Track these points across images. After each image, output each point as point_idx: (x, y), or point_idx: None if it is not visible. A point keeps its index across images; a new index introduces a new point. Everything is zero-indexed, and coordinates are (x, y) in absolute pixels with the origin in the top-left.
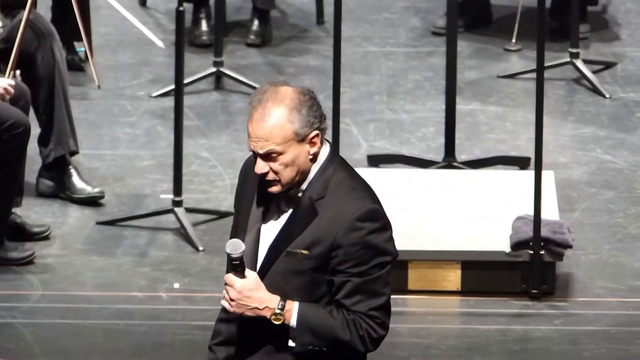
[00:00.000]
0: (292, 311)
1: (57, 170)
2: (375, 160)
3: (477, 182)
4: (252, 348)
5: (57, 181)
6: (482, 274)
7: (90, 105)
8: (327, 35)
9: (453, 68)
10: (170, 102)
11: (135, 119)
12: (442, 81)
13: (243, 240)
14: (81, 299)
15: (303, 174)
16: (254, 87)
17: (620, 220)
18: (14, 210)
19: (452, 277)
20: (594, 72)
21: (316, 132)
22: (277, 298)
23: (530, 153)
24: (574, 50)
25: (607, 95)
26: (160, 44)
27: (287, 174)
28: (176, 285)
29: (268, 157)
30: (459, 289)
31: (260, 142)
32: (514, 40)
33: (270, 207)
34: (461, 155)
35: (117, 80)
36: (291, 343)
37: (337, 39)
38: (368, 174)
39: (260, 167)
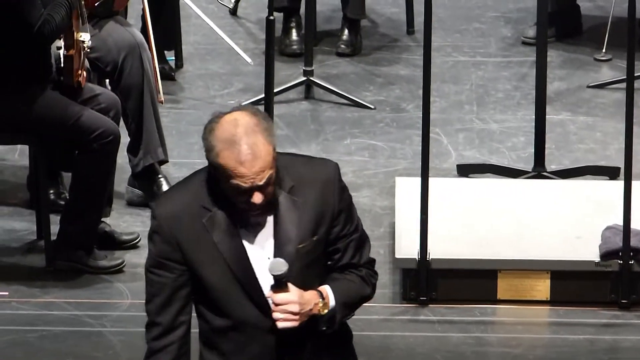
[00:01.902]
0: (329, 295)
1: (147, 180)
2: (465, 170)
3: (566, 192)
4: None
5: (147, 190)
6: (571, 284)
7: (180, 114)
8: (417, 45)
9: (543, 78)
10: None
11: None
12: (532, 91)
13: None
14: None
15: None
16: (344, 96)
17: None
18: (103, 219)
19: (542, 287)
20: None
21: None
22: (314, 292)
23: (620, 163)
24: None
25: None
26: (249, 60)
27: (274, 190)
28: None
29: (265, 186)
30: (548, 299)
31: (259, 175)
32: (604, 50)
33: (238, 226)
34: (551, 165)
35: (208, 89)
36: (324, 327)
37: (427, 48)
38: (458, 184)
39: (260, 197)
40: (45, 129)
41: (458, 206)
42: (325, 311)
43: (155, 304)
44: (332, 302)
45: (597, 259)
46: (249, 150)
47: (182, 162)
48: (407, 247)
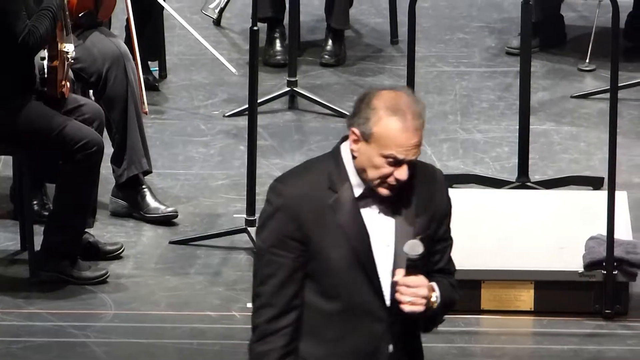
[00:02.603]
0: (437, 291)
1: (131, 190)
2: (449, 180)
3: (550, 202)
4: (394, 348)
5: (131, 201)
6: (555, 294)
7: (164, 124)
8: (401, 55)
9: (527, 88)
10: (244, 121)
11: (209, 138)
12: (516, 101)
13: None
14: (154, 319)
15: None
16: (327, 107)
17: None
18: (87, 230)
19: (525, 297)
20: None
21: None
22: (430, 283)
23: (604, 173)
24: None
25: None
26: (233, 70)
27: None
28: (249, 305)
29: (413, 164)
30: (532, 309)
31: (414, 148)
32: (587, 61)
33: (359, 210)
34: (535, 175)
35: (192, 100)
36: (424, 324)
37: (411, 58)
38: None
39: (406, 173)
40: (29, 140)
41: None
42: (436, 305)
43: (272, 285)
44: (438, 299)
45: (581, 269)
46: (413, 120)
47: (166, 172)
48: None
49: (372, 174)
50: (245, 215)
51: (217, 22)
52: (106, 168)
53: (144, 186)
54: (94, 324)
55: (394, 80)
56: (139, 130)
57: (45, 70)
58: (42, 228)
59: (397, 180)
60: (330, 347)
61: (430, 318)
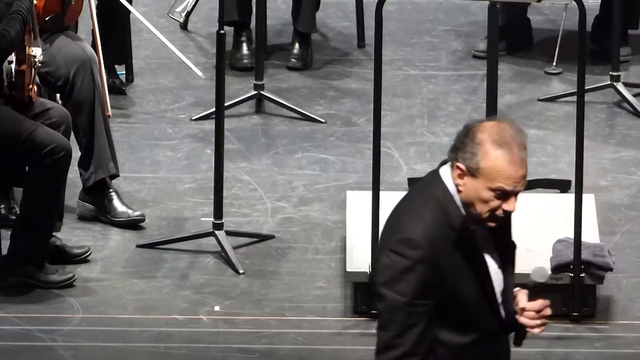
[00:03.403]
0: None
1: (98, 194)
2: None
3: (517, 205)
4: None
5: (98, 205)
6: None
7: (131, 128)
8: (368, 59)
9: (494, 91)
10: (211, 125)
11: (176, 142)
12: (483, 104)
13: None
14: (122, 322)
15: None
16: (294, 110)
17: None
18: (54, 234)
19: None
20: (635, 95)
21: None
22: None
23: (571, 176)
24: (615, 73)
25: None
26: (200, 73)
27: None
28: (217, 308)
29: (518, 193)
30: None
31: (522, 180)
32: (554, 64)
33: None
34: None
35: (158, 103)
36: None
37: (378, 62)
38: None
39: (516, 204)
40: None
41: None
42: None
43: (414, 334)
44: None
45: (548, 272)
46: (519, 153)
47: (133, 176)
48: (359, 261)
49: (480, 207)
50: (212, 219)
51: (183, 26)
52: (73, 172)
53: (111, 190)
54: (62, 327)
55: (361, 83)
56: (106, 134)
57: (13, 74)
58: (9, 232)
59: (505, 212)
60: None
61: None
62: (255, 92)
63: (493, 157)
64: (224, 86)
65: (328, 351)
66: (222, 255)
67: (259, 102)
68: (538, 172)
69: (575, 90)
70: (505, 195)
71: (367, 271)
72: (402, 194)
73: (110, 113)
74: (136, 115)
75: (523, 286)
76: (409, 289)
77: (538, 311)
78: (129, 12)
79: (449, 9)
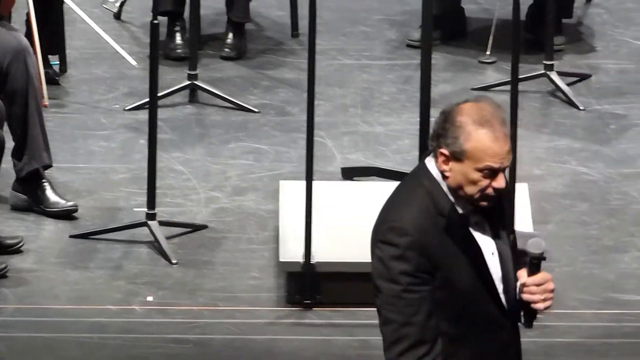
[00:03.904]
0: None
1: (31, 184)
2: (350, 173)
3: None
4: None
5: (31, 195)
6: None
7: (64, 118)
8: (302, 48)
9: (427, 80)
10: (144, 115)
11: (109, 132)
12: (417, 93)
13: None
14: (55, 313)
15: None
16: (228, 100)
17: (594, 232)
18: None
19: None
20: (569, 84)
21: None
22: None
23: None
24: (549, 63)
25: (582, 108)
26: (133, 62)
27: None
28: (150, 299)
29: (505, 170)
30: None
31: (508, 155)
32: (488, 53)
33: (466, 230)
34: None
35: (92, 94)
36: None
37: (311, 51)
38: (342, 187)
39: (503, 181)
40: None
41: (343, 209)
42: None
43: (419, 322)
44: None
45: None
46: (501, 129)
47: (66, 166)
48: (292, 251)
49: (470, 189)
50: (146, 209)
51: (117, 16)
52: (7, 162)
53: (44, 180)
54: None
55: (295, 73)
56: (39, 125)
57: None
58: None
59: (495, 189)
60: None
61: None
62: (189, 82)
63: (476, 137)
64: (157, 76)
65: (261, 341)
66: (156, 246)
67: (193, 92)
68: None
69: (509, 79)
70: (493, 173)
71: (301, 261)
72: (335, 183)
73: (47, 103)
74: (70, 105)
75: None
76: (402, 277)
77: (539, 285)
78: (62, 2)
79: None
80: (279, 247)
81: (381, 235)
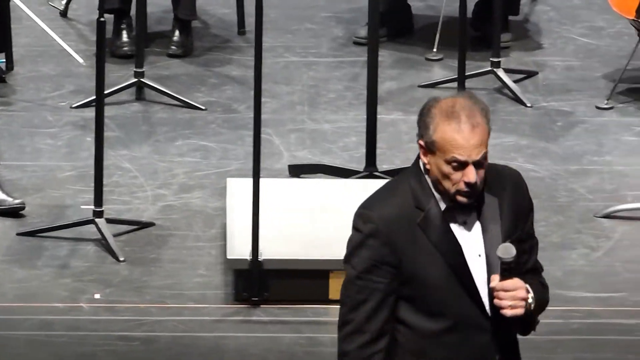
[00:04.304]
0: (531, 293)
1: None
2: (297, 170)
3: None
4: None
5: None
6: None
7: (11, 116)
8: (249, 46)
9: (374, 78)
10: (91, 113)
11: (56, 130)
12: (364, 91)
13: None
14: (2, 310)
15: None
16: (175, 98)
17: (542, 229)
18: None
19: None
20: (516, 81)
21: None
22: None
23: None
24: (496, 60)
25: (529, 105)
26: (80, 60)
27: (484, 177)
28: (97, 296)
29: (479, 164)
30: None
31: (476, 148)
32: (435, 50)
33: (448, 224)
34: (382, 165)
35: (39, 92)
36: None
37: (258, 49)
38: (289, 184)
39: (474, 174)
40: None
41: (290, 207)
42: (532, 307)
43: (365, 311)
44: (532, 301)
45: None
46: (467, 121)
47: (13, 164)
48: (239, 248)
49: (445, 184)
50: (93, 207)
51: (64, 14)
52: None
53: None
54: None
55: (241, 70)
56: None
57: None
58: None
59: (467, 184)
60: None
61: (527, 320)
62: (136, 79)
63: (442, 128)
64: (104, 74)
65: (209, 338)
66: (103, 243)
67: (140, 90)
68: None
69: (456, 76)
70: (461, 166)
71: (248, 258)
72: (283, 180)
73: None
74: (17, 103)
75: None
76: (360, 262)
77: (507, 291)
78: None
79: None
80: (226, 244)
81: (353, 220)
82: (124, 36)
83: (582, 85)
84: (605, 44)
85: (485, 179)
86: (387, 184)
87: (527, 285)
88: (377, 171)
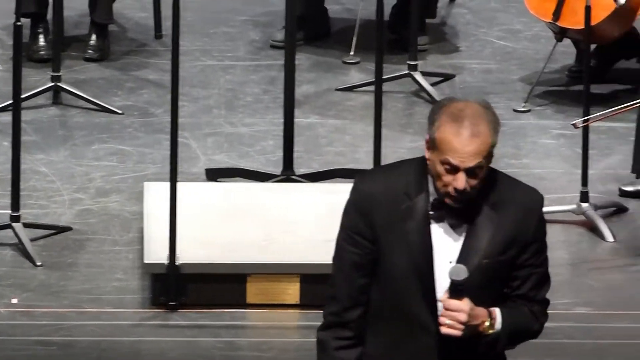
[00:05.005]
0: (497, 318)
1: None
2: (214, 174)
3: (315, 195)
4: None
5: None
6: (321, 287)
7: None
8: (166, 49)
9: (291, 81)
10: (8, 117)
11: None
12: (281, 94)
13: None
14: None
15: None
16: (92, 102)
17: None
18: None
19: (292, 291)
20: (433, 84)
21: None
22: (485, 310)
23: (369, 166)
24: (413, 63)
25: None
26: None
27: (478, 188)
28: (14, 301)
29: (472, 172)
30: (298, 302)
31: (470, 156)
32: (352, 53)
33: (429, 222)
34: (300, 169)
35: None
36: (484, 349)
37: (175, 52)
38: (207, 188)
39: (464, 182)
40: None
41: (207, 210)
42: (490, 331)
43: (339, 278)
44: (498, 325)
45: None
46: (469, 128)
47: None
48: (156, 252)
49: (438, 182)
50: (9, 211)
51: None
52: None
53: None
54: None
55: (158, 74)
56: None
57: None
58: None
59: (455, 190)
60: (387, 350)
61: (491, 343)
62: (53, 83)
63: (443, 129)
64: (21, 78)
65: (127, 343)
66: (20, 248)
67: (56, 94)
68: (337, 161)
69: (373, 79)
70: (453, 169)
71: (165, 262)
72: (200, 184)
73: None
74: None
75: (323, 277)
76: (342, 229)
77: (449, 310)
78: None
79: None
80: (143, 248)
81: None
82: (41, 40)
83: (500, 88)
84: (522, 47)
85: (486, 189)
86: (397, 161)
87: (496, 310)
88: (294, 175)
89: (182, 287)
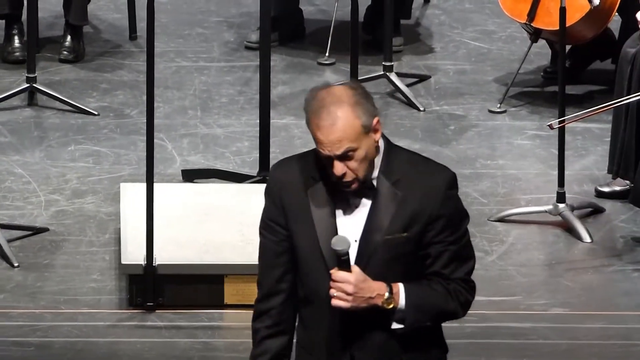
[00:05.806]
0: (400, 293)
1: None
2: (190, 175)
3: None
4: (358, 344)
5: None
6: None
7: None
8: (140, 51)
9: (267, 82)
10: None
11: None
12: (256, 95)
13: (312, 244)
14: None
15: (372, 163)
16: (67, 103)
17: None
18: None
19: None
20: (408, 85)
21: (377, 118)
22: (383, 284)
23: None
24: (388, 64)
25: (422, 109)
26: None
27: (362, 168)
28: None
29: (345, 157)
30: None
31: (335, 144)
32: (327, 54)
33: (336, 204)
34: None
35: None
36: (396, 325)
37: (150, 54)
38: (183, 189)
39: (340, 168)
40: None
41: (184, 212)
42: (391, 306)
43: (260, 266)
44: (402, 300)
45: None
46: (328, 118)
47: None
48: (133, 253)
49: (327, 170)
50: None
51: None
52: None
53: None
54: None
55: (133, 75)
56: None
57: None
58: None
59: (335, 177)
60: (308, 333)
61: (400, 319)
62: (28, 84)
63: (310, 123)
64: None
65: (103, 344)
66: None
67: (32, 95)
68: None
69: (349, 80)
70: (329, 158)
71: (142, 263)
72: (176, 185)
73: None
74: None
75: None
76: (261, 217)
77: (335, 281)
78: None
79: (221, 1)
80: (120, 249)
81: None
82: (16, 41)
83: (475, 89)
84: (496, 48)
85: (390, 168)
86: (310, 150)
87: (400, 285)
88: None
89: (159, 288)
